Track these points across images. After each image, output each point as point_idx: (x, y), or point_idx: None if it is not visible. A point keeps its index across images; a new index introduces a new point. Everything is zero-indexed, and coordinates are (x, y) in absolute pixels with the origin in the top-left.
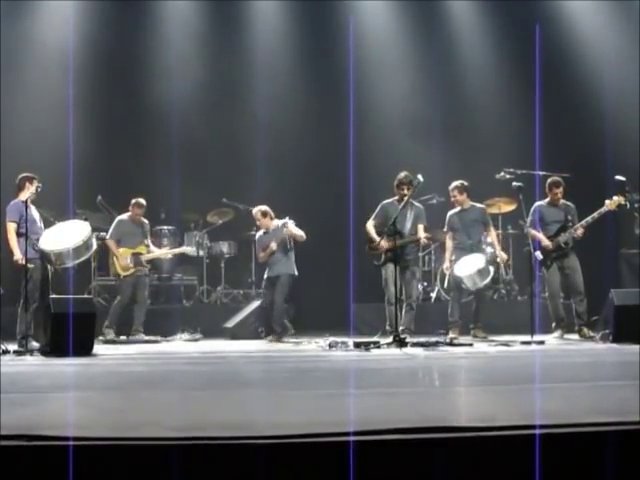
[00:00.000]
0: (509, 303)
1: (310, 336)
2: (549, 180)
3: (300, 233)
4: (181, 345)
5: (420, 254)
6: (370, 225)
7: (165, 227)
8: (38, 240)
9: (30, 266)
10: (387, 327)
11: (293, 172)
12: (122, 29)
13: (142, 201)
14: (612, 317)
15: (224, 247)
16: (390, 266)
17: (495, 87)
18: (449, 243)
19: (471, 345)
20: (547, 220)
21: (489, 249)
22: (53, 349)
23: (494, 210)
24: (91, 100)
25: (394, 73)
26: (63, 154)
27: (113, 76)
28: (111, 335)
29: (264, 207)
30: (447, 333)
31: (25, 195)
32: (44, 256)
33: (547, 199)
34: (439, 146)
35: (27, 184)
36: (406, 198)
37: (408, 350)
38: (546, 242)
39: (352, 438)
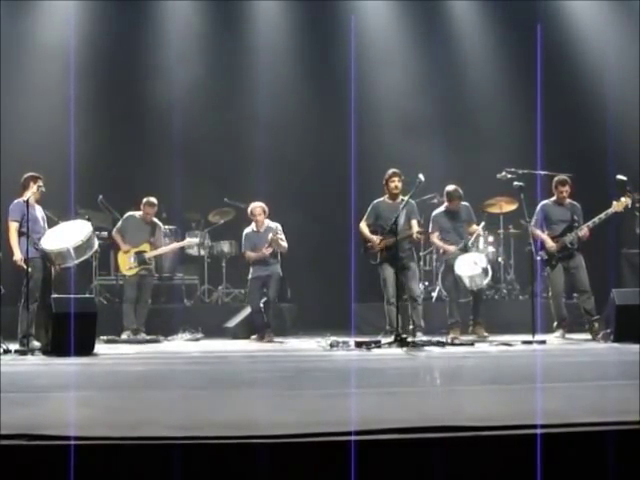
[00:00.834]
0: (510, 303)
1: (311, 335)
2: (555, 178)
3: (284, 245)
4: (182, 345)
5: (422, 253)
6: (363, 225)
7: (166, 226)
8: (40, 239)
9: (31, 265)
10: (387, 327)
11: (294, 171)
12: (123, 29)
13: (153, 200)
14: (613, 317)
15: (225, 247)
16: (387, 265)
17: (496, 86)
18: (439, 243)
19: (472, 345)
20: (553, 219)
21: (490, 248)
22: (54, 349)
23: (495, 210)
24: (92, 100)
25: (395, 73)
26: (64, 154)
27: (114, 76)
28: (128, 336)
29: (262, 204)
30: (448, 333)
31: (27, 194)
32: (45, 255)
33: (553, 198)
34: (440, 146)
35: (31, 183)
36: (407, 197)
37: (409, 350)
38: (550, 244)
39: (353, 438)
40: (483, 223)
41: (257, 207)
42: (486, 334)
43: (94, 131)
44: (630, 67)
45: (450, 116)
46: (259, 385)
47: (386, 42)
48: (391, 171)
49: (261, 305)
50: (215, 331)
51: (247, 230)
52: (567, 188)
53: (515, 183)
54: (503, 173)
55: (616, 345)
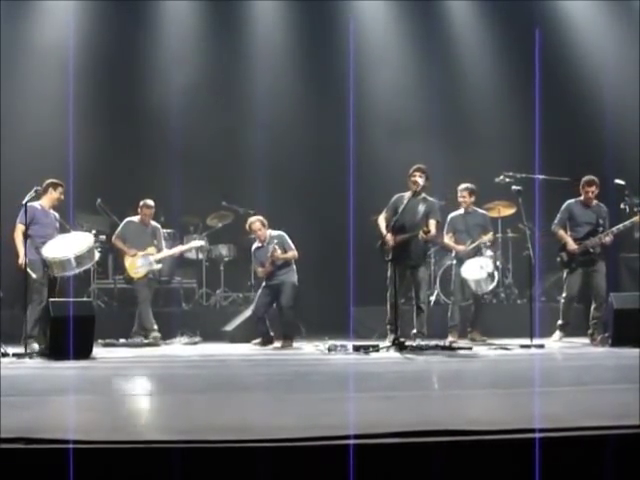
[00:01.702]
0: (508, 307)
1: (309, 339)
2: (583, 179)
3: (289, 255)
4: (180, 348)
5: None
6: (381, 218)
7: (165, 230)
8: (44, 244)
9: (30, 268)
10: (387, 326)
11: (293, 175)
12: (122, 31)
13: (150, 202)
14: (611, 321)
15: (223, 250)
16: (395, 263)
17: (495, 90)
18: (450, 243)
19: (470, 349)
20: (578, 220)
21: (489, 252)
22: (53, 352)
23: (494, 214)
24: (91, 103)
25: (394, 75)
26: (63, 157)
27: (112, 78)
28: (139, 339)
29: (260, 217)
30: (447, 336)
31: (43, 199)
32: (44, 262)
33: (580, 198)
34: (439, 149)
35: (50, 189)
36: (416, 189)
37: (407, 354)
38: (573, 246)
39: (352, 442)
40: (492, 232)
41: (255, 222)
42: (484, 338)
43: (92, 134)
44: (629, 70)
45: (448, 119)
46: (258, 389)
47: (384, 44)
48: (415, 166)
49: (265, 313)
50: (213, 335)
51: (254, 246)
52: (594, 189)
53: (513, 187)
54: (501, 177)
55: (614, 349)
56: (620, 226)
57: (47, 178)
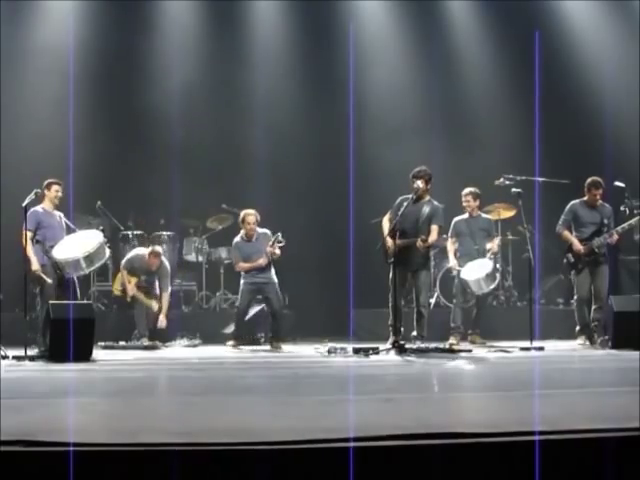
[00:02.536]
0: (508, 309)
1: (309, 342)
2: (589, 180)
3: (279, 252)
4: (180, 351)
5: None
6: (385, 220)
7: (164, 233)
8: (52, 247)
9: (43, 272)
10: (390, 327)
11: (293, 177)
12: (122, 32)
13: (158, 249)
14: (611, 323)
15: (223, 253)
16: (395, 266)
17: (494, 92)
18: (452, 247)
19: (470, 351)
20: (582, 221)
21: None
22: (52, 354)
23: (493, 216)
24: (91, 104)
25: (393, 76)
26: (63, 159)
27: (113, 80)
28: (145, 342)
29: (255, 212)
30: (447, 338)
31: (44, 202)
32: (56, 264)
33: (584, 198)
34: (439, 152)
35: (46, 191)
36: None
37: (407, 356)
38: (579, 247)
39: (352, 444)
40: (500, 237)
41: (251, 215)
42: (484, 340)
43: (92, 136)
44: (629, 71)
45: (448, 121)
46: (257, 391)
47: (384, 45)
48: (416, 169)
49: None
50: (213, 337)
51: (237, 239)
52: (600, 191)
53: (513, 189)
54: (501, 179)
55: (614, 351)
56: (625, 225)
57: (47, 180)
